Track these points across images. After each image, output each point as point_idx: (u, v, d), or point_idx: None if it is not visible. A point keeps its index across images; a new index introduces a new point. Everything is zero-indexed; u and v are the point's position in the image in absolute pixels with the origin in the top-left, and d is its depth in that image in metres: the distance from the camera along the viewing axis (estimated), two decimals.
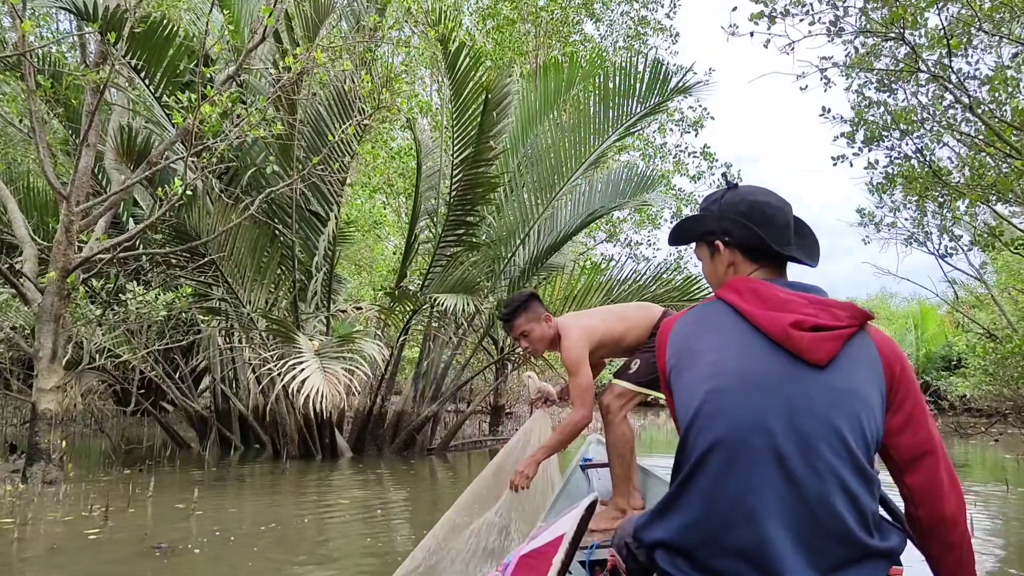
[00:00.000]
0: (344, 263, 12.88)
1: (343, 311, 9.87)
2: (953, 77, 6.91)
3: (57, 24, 12.58)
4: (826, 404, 1.30)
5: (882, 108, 8.53)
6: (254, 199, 7.36)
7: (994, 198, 7.65)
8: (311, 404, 6.16)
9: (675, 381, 1.45)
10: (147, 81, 7.21)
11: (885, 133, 8.49)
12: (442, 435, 10.08)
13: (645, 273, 8.73)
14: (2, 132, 10.45)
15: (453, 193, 8.61)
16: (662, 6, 15.47)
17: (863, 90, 8.85)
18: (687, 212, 14.70)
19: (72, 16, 7.27)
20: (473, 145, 8.29)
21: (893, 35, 6.75)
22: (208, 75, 6.12)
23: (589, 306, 8.42)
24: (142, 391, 9.47)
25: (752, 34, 7.02)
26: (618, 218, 15.44)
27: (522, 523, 3.24)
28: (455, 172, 8.50)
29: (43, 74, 6.50)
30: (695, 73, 8.48)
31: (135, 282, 7.36)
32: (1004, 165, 7.51)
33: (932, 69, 7.02)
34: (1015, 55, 7.37)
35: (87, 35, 6.98)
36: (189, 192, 6.21)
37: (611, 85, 8.49)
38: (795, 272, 1.54)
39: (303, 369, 6.34)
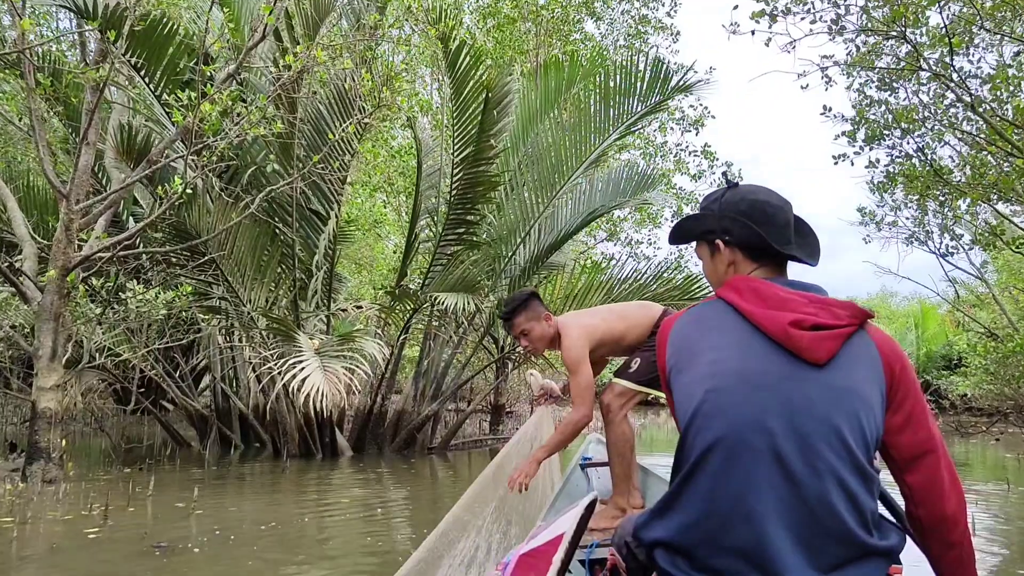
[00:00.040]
0: (344, 262, 12.89)
1: (343, 310, 9.87)
2: (955, 75, 6.89)
3: (57, 23, 12.58)
4: (826, 403, 1.29)
5: (883, 107, 8.52)
6: (254, 198, 7.35)
7: (995, 197, 7.64)
8: (311, 403, 6.16)
9: (675, 380, 1.45)
10: (147, 79, 7.20)
11: (886, 132, 8.48)
12: (442, 434, 10.08)
13: (646, 272, 8.73)
14: (2, 130, 10.45)
15: (453, 192, 8.61)
16: (663, 5, 15.46)
17: (864, 89, 8.85)
18: (688, 211, 14.69)
19: (72, 14, 7.27)
20: (473, 144, 8.29)
21: (894, 33, 6.74)
22: (208, 73, 6.12)
23: (589, 305, 8.41)
24: (142, 390, 9.46)
25: (753, 32, 7.01)
26: (619, 217, 15.44)
27: (522, 522, 3.24)
28: (455, 171, 8.50)
29: (43, 72, 6.49)
30: (696, 72, 8.48)
31: (135, 281, 7.35)
32: (1005, 164, 7.50)
33: (934, 68, 7.01)
34: (1017, 53, 7.36)
35: (87, 33, 6.98)
36: (189, 191, 6.20)
37: (612, 84, 8.48)
38: (796, 271, 1.54)
39: (303, 368, 6.34)
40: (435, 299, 8.09)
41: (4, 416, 10.86)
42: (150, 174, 6.89)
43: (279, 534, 4.61)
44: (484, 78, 8.09)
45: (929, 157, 8.40)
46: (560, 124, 9.14)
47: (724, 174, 1.83)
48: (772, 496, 1.27)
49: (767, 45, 7.21)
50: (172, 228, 7.59)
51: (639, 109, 8.60)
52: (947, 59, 6.84)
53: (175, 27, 6.91)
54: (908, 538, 1.41)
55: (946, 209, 10.02)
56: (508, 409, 13.55)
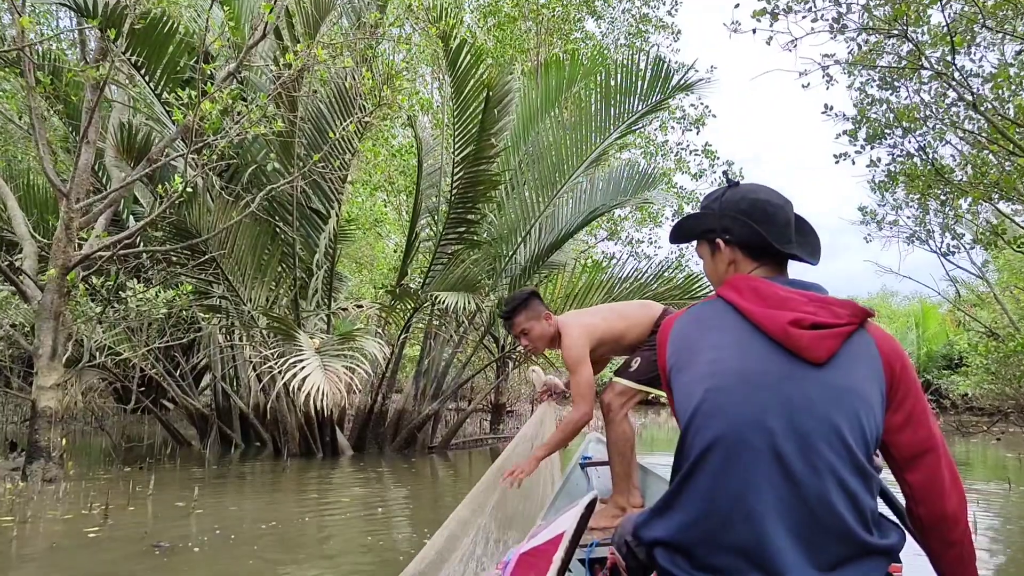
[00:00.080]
0: (345, 261, 12.88)
1: (344, 309, 9.86)
2: (956, 74, 6.88)
3: (57, 21, 12.57)
4: (825, 403, 1.29)
5: (884, 106, 8.51)
6: (255, 196, 7.35)
7: (996, 196, 7.63)
8: (312, 402, 6.16)
9: (675, 379, 1.45)
10: (147, 78, 7.20)
11: (887, 131, 8.47)
12: (443, 433, 10.08)
13: (646, 271, 8.72)
14: (2, 129, 10.44)
15: (454, 191, 8.60)
16: (663, 4, 15.44)
17: (865, 88, 8.84)
18: (688, 210, 14.68)
19: (72, 13, 7.26)
20: (474, 143, 8.28)
21: (896, 32, 6.72)
22: (208, 72, 6.12)
23: (590, 304, 8.41)
24: (142, 389, 9.47)
25: (754, 31, 6.99)
26: (619, 216, 15.44)
27: (522, 521, 3.24)
28: (456, 170, 8.49)
29: (43, 70, 6.49)
30: (697, 71, 8.46)
31: (135, 279, 7.34)
32: (1007, 163, 7.49)
33: (935, 66, 6.99)
34: (1018, 52, 7.35)
35: (87, 31, 6.97)
36: (189, 189, 6.20)
37: (612, 83, 8.47)
38: (796, 270, 1.54)
39: (304, 367, 6.34)
40: (436, 298, 8.08)
41: (4, 415, 10.86)
42: (150, 173, 6.89)
43: (279, 533, 4.60)
44: (485, 77, 8.08)
45: (930, 156, 8.39)
46: (561, 123, 9.13)
47: (725, 173, 1.83)
48: (772, 495, 1.27)
49: (768, 44, 7.19)
50: (172, 227, 7.58)
51: (640, 108, 8.59)
52: (948, 58, 6.82)
53: (175, 25, 6.91)
54: (908, 536, 1.41)
55: (947, 208, 10.02)
56: (509, 408, 13.55)
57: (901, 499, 1.45)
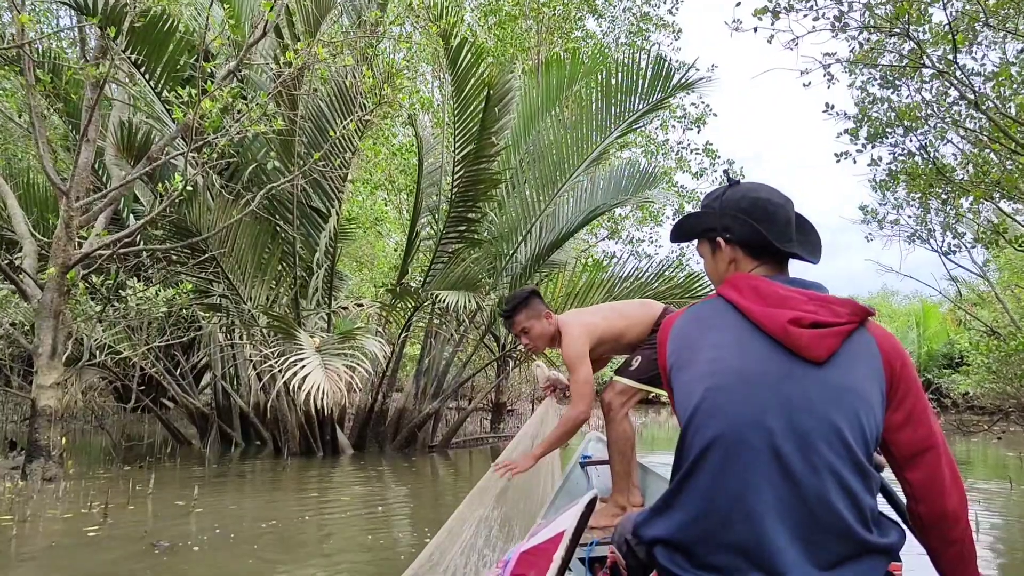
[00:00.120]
0: (345, 260, 12.89)
1: (344, 308, 9.85)
2: (958, 73, 6.87)
3: (57, 20, 12.56)
4: (825, 402, 1.29)
5: (886, 104, 8.49)
6: (255, 195, 7.34)
7: (998, 195, 7.61)
8: (312, 401, 6.15)
9: (675, 378, 1.46)
10: (147, 76, 7.19)
11: (888, 130, 8.45)
12: (443, 432, 10.07)
13: (647, 270, 8.71)
14: (2, 127, 10.43)
15: (455, 190, 8.59)
16: (664, 2, 15.46)
17: (867, 86, 8.82)
18: (689, 209, 14.67)
19: (72, 11, 7.25)
20: (475, 141, 8.27)
21: (897, 31, 6.71)
22: (209, 70, 6.11)
23: (591, 303, 8.40)
24: (142, 387, 9.46)
25: (756, 29, 6.98)
26: (620, 215, 15.43)
27: (522, 520, 3.24)
28: (457, 168, 8.48)
29: (43, 69, 6.48)
30: (698, 69, 8.45)
31: (135, 278, 7.34)
32: (1008, 162, 7.48)
33: (937, 65, 6.98)
34: (1021, 51, 7.34)
35: (87, 30, 6.96)
36: (189, 188, 6.19)
37: (613, 81, 8.46)
38: (797, 269, 1.54)
39: (304, 366, 6.34)
40: (436, 297, 8.07)
41: (4, 414, 10.86)
42: (150, 171, 6.88)
43: (280, 532, 4.60)
44: (485, 75, 8.07)
45: (931, 155, 8.37)
46: (561, 122, 9.12)
47: (725, 172, 1.82)
48: (771, 494, 1.27)
49: (769, 42, 7.18)
50: (172, 225, 7.58)
51: (641, 107, 8.58)
52: (950, 56, 6.81)
53: (175, 24, 6.90)
54: (910, 534, 1.41)
55: (948, 207, 10.00)
56: (509, 407, 13.54)
57: (902, 497, 1.45)
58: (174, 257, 8.18)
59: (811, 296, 1.38)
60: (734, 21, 7.08)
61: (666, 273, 8.59)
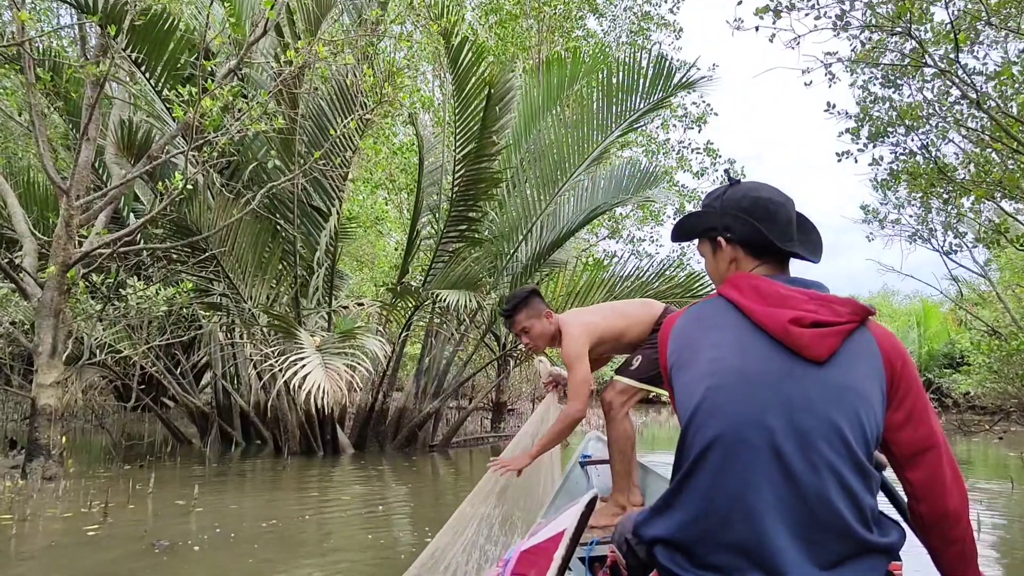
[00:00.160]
0: (346, 259, 12.89)
1: (345, 307, 9.85)
2: (960, 72, 6.86)
3: (58, 19, 12.56)
4: (825, 401, 1.29)
5: (887, 104, 8.48)
6: (255, 194, 7.34)
7: (999, 194, 7.60)
8: (312, 400, 6.15)
9: (676, 378, 1.46)
10: (148, 75, 7.18)
11: (890, 129, 8.44)
12: (444, 432, 10.07)
13: (648, 270, 8.70)
14: (2, 126, 10.43)
15: (455, 189, 8.59)
16: (665, 1, 15.44)
17: (868, 85, 8.81)
18: (690, 208, 14.66)
19: (73, 10, 7.25)
20: (475, 141, 8.26)
21: (899, 29, 6.69)
22: (209, 69, 6.10)
23: (591, 302, 8.40)
24: (143, 387, 9.46)
25: (757, 28, 6.96)
26: (621, 214, 15.42)
27: (523, 519, 3.24)
28: (457, 168, 8.48)
29: (43, 67, 6.48)
30: (699, 68, 8.44)
31: (136, 277, 7.34)
32: (1010, 161, 7.47)
33: (939, 64, 6.97)
34: (1023, 50, 7.32)
35: (87, 28, 6.96)
36: (190, 187, 6.19)
37: (614, 80, 8.45)
38: (798, 268, 1.53)
39: (304, 365, 6.33)
40: (437, 296, 8.07)
41: (4, 413, 10.86)
42: (151, 170, 6.87)
43: (280, 532, 4.60)
44: (486, 74, 8.06)
45: (933, 154, 8.36)
46: (562, 121, 9.12)
47: (726, 171, 1.81)
48: (771, 494, 1.27)
49: (771, 41, 7.16)
50: (173, 224, 7.57)
51: (642, 106, 8.57)
52: (952, 55, 6.80)
53: (176, 22, 6.89)
54: (910, 533, 1.41)
55: (950, 207, 9.99)
56: (510, 407, 13.54)
57: (904, 496, 1.45)
58: (174, 256, 8.17)
59: (812, 295, 1.38)
60: (735, 20, 7.07)
61: (667, 272, 8.58)
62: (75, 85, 7.11)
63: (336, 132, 7.59)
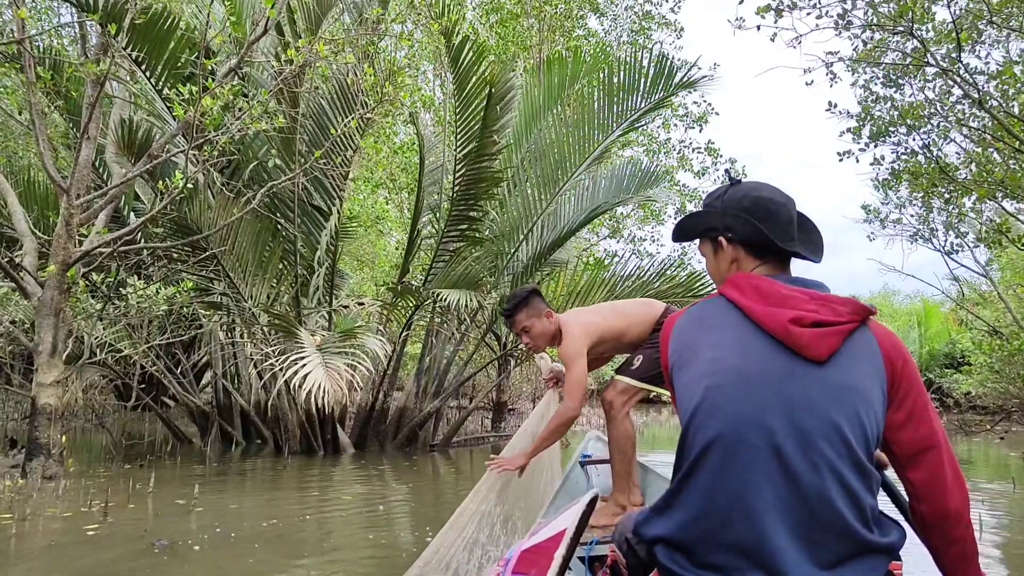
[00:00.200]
0: (346, 258, 12.89)
1: (345, 306, 9.85)
2: (962, 71, 6.84)
3: (58, 18, 12.57)
4: (826, 401, 1.29)
5: (889, 103, 8.47)
6: (256, 193, 7.33)
7: (1001, 194, 7.59)
8: (313, 399, 6.14)
9: (676, 378, 1.46)
10: (148, 74, 7.18)
11: (891, 128, 8.43)
12: (444, 431, 10.07)
13: (649, 269, 8.69)
14: (2, 125, 10.43)
15: (456, 188, 8.58)
16: (666, 1, 15.42)
17: (870, 85, 8.79)
18: (691, 208, 14.66)
19: (73, 9, 7.24)
20: (476, 140, 8.26)
21: (901, 29, 6.68)
22: (209, 68, 6.10)
23: (592, 302, 8.39)
24: (143, 386, 9.46)
25: (759, 27, 6.95)
26: (622, 214, 15.42)
27: (523, 518, 3.24)
28: (458, 167, 8.47)
29: (43, 66, 6.47)
30: (700, 68, 8.42)
31: (136, 276, 7.33)
32: (1012, 160, 7.45)
33: (940, 63, 6.96)
34: None
35: (88, 27, 6.95)
36: (190, 186, 6.18)
37: (615, 80, 8.44)
38: (799, 268, 1.53)
39: (305, 364, 6.33)
40: (437, 296, 8.07)
41: (4, 412, 10.86)
42: (151, 169, 6.87)
43: (280, 531, 4.59)
44: (487, 74, 8.05)
45: (935, 154, 8.35)
46: (563, 120, 9.11)
47: (727, 171, 1.81)
48: (772, 493, 1.27)
49: (772, 40, 7.16)
50: (173, 223, 7.57)
51: (643, 105, 8.56)
52: (954, 55, 6.79)
53: (176, 21, 6.88)
54: (911, 533, 1.41)
55: (951, 207, 9.97)
56: (510, 406, 13.54)
57: (905, 495, 1.44)
58: (175, 255, 8.17)
59: (812, 295, 1.38)
60: (737, 19, 7.06)
61: (668, 272, 8.56)
62: (75, 84, 7.10)
63: (337, 131, 7.59)
